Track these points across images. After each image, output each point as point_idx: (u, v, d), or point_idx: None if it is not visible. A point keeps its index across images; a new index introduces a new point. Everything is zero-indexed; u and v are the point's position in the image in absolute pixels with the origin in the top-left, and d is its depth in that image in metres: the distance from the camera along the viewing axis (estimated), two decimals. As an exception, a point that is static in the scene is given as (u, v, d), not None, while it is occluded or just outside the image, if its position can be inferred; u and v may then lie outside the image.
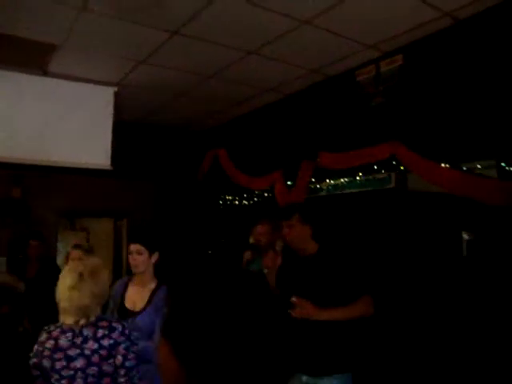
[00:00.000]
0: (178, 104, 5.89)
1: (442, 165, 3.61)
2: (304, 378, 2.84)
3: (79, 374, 2.07)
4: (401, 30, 3.81)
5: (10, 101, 4.50)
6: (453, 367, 3.54)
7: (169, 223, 6.56)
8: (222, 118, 6.49)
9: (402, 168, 4.02)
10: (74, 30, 3.83)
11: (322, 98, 4.95)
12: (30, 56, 4.30)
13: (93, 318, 2.17)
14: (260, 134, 5.87)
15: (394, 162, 4.05)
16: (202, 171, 6.71)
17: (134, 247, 3.04)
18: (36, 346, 2.14)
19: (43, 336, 2.16)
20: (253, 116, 6.07)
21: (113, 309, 2.99)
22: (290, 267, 3.10)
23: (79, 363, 2.08)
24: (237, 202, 6.29)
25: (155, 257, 3.08)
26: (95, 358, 2.10)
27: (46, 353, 2.09)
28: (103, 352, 2.11)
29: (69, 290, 2.15)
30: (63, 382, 2.07)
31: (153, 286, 3.04)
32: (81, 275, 2.18)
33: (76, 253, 3.73)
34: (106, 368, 2.11)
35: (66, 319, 2.15)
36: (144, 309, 2.93)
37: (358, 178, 4.44)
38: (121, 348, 2.15)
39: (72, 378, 2.07)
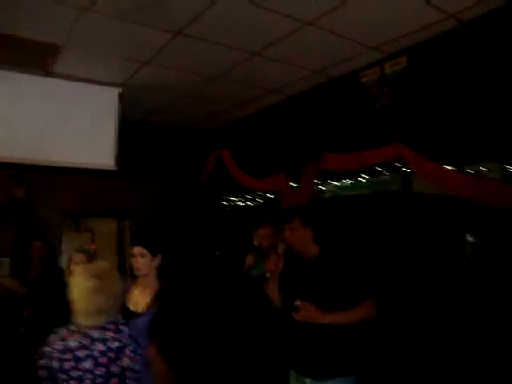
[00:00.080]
0: (182, 105, 5.90)
1: (447, 167, 3.60)
2: (307, 381, 2.84)
3: (87, 374, 2.11)
4: (405, 32, 3.79)
5: (10, 101, 4.52)
6: (457, 369, 3.53)
7: (173, 224, 6.56)
8: (227, 119, 6.49)
9: (407, 170, 4.01)
10: (76, 30, 3.82)
11: (326, 99, 4.93)
12: (31, 56, 4.30)
13: (106, 320, 2.21)
14: (264, 135, 5.86)
15: (398, 164, 4.04)
16: (206, 172, 6.71)
17: (136, 250, 3.02)
18: (44, 347, 2.17)
19: (52, 337, 2.19)
20: (257, 117, 6.06)
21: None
22: (293, 270, 3.10)
23: (88, 364, 2.11)
24: (240, 204, 6.29)
25: (158, 259, 3.07)
26: (103, 360, 2.13)
27: (56, 354, 2.12)
28: (111, 354, 2.15)
29: (88, 292, 2.19)
30: (71, 382, 2.10)
31: (156, 288, 3.04)
32: (100, 277, 2.23)
33: (79, 256, 3.72)
34: (114, 369, 2.15)
35: (81, 320, 2.20)
36: (146, 310, 2.93)
37: (362, 179, 4.44)
38: (128, 350, 2.19)
39: (80, 379, 2.10)
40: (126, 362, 2.17)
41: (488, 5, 3.36)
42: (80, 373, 2.10)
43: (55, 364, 2.10)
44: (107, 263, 2.44)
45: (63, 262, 4.94)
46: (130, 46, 4.18)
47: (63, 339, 2.16)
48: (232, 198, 6.61)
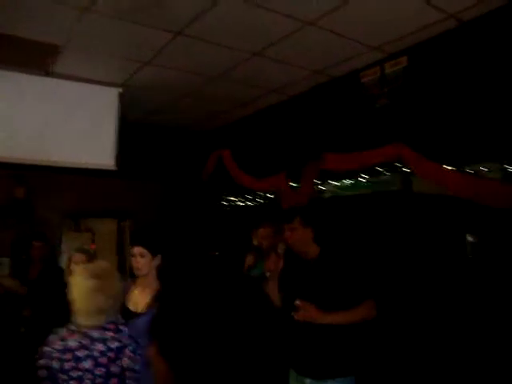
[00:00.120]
0: (182, 105, 5.89)
1: (447, 167, 3.60)
2: (307, 381, 2.83)
3: (87, 374, 2.11)
4: (405, 32, 3.79)
5: (10, 101, 4.52)
6: (457, 370, 3.52)
7: (173, 224, 6.55)
8: (227, 119, 6.49)
9: (407, 170, 4.01)
10: (76, 30, 3.82)
11: (327, 99, 4.93)
12: (31, 56, 4.30)
13: (106, 320, 2.21)
14: (264, 135, 5.86)
15: (398, 164, 4.04)
16: (206, 172, 6.71)
17: (136, 250, 3.02)
18: (44, 347, 2.17)
19: (52, 337, 2.19)
20: (257, 117, 6.06)
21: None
22: (293, 270, 3.10)
23: (88, 364, 2.11)
24: (240, 204, 6.29)
25: (158, 259, 3.07)
26: (103, 360, 2.13)
27: (55, 354, 2.13)
28: (111, 354, 2.15)
29: (88, 291, 2.19)
30: (71, 382, 2.10)
31: (156, 288, 3.04)
32: (100, 277, 2.23)
33: (79, 256, 3.71)
34: (114, 369, 2.15)
35: (81, 320, 2.20)
36: (146, 311, 2.93)
37: (362, 179, 4.44)
38: (127, 350, 2.19)
39: (80, 379, 2.11)
40: (125, 361, 2.17)
41: (488, 5, 3.36)
42: (80, 373, 2.10)
43: (55, 364, 2.11)
44: (107, 263, 2.44)
45: (63, 262, 4.94)
46: (130, 46, 4.18)
47: (63, 339, 2.16)
48: (232, 198, 6.61)
